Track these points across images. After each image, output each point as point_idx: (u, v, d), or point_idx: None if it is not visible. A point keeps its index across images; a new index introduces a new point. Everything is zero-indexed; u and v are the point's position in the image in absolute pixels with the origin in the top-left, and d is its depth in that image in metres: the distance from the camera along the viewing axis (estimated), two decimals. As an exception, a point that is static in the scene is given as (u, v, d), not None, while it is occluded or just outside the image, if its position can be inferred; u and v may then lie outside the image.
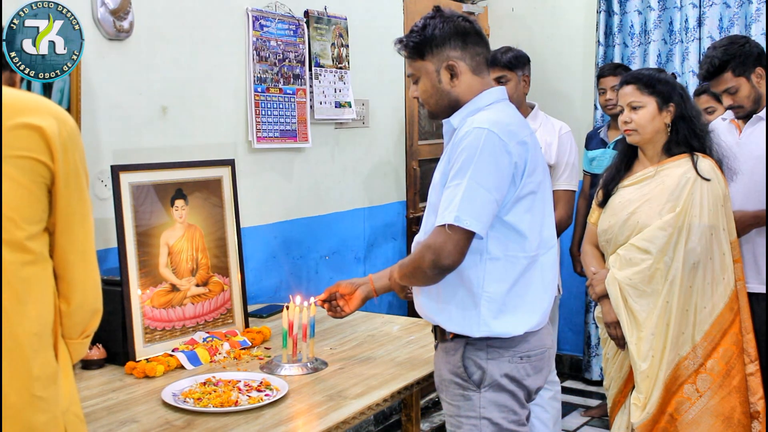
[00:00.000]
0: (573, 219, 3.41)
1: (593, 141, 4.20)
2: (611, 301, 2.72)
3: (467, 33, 2.07)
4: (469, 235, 1.92)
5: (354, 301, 2.39)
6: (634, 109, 2.72)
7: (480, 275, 2.01)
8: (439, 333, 2.15)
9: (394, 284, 2.25)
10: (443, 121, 2.14)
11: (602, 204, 2.83)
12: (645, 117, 2.70)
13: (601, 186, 2.87)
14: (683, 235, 2.62)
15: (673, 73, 2.86)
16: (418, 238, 2.12)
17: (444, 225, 1.92)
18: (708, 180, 2.64)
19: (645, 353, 2.64)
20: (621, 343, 2.75)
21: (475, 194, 1.91)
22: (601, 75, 4.09)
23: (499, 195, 1.95)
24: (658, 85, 2.70)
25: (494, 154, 1.93)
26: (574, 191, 3.45)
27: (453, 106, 2.10)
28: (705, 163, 2.67)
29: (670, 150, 2.72)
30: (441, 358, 2.14)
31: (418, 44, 2.07)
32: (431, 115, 2.18)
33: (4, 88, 1.48)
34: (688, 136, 2.70)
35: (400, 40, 2.12)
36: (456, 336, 2.08)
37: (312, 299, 2.48)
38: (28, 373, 1.45)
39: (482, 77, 2.11)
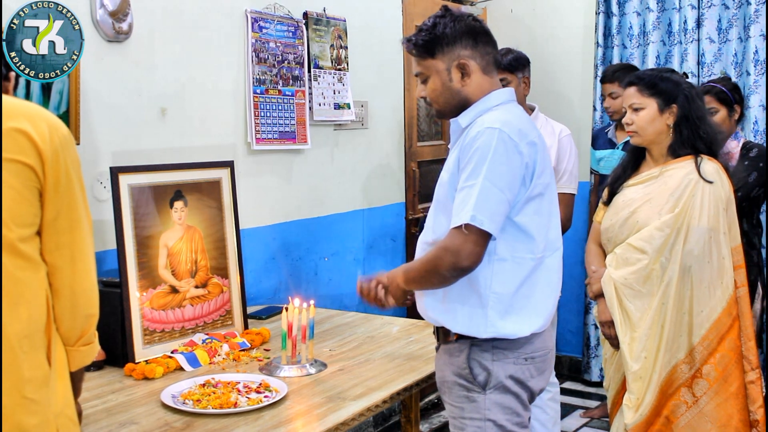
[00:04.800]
0: (572, 222, 3.40)
1: (599, 140, 4.18)
2: (606, 301, 2.70)
3: (478, 32, 2.06)
4: (486, 235, 1.91)
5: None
6: (635, 110, 2.71)
7: (488, 276, 2.00)
8: (441, 334, 2.13)
9: (395, 290, 2.19)
10: (450, 120, 2.12)
11: (607, 202, 2.82)
12: (645, 119, 2.69)
13: (608, 184, 2.86)
14: (681, 236, 2.60)
15: (684, 73, 2.84)
16: (425, 238, 2.10)
17: (460, 226, 1.90)
18: (710, 182, 2.61)
19: (637, 354, 2.62)
20: (615, 343, 2.74)
21: (489, 194, 1.90)
22: (602, 80, 4.07)
23: (511, 195, 1.94)
24: (660, 85, 2.68)
25: (507, 154, 1.93)
26: (574, 194, 3.45)
27: (462, 105, 2.08)
28: (709, 165, 2.64)
29: (675, 151, 2.70)
30: (444, 359, 2.13)
31: (429, 42, 2.05)
32: (439, 115, 2.16)
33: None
34: (692, 138, 2.67)
35: (408, 39, 2.09)
36: (460, 337, 2.07)
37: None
38: (19, 375, 1.45)
39: (491, 77, 2.10)
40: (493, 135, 1.93)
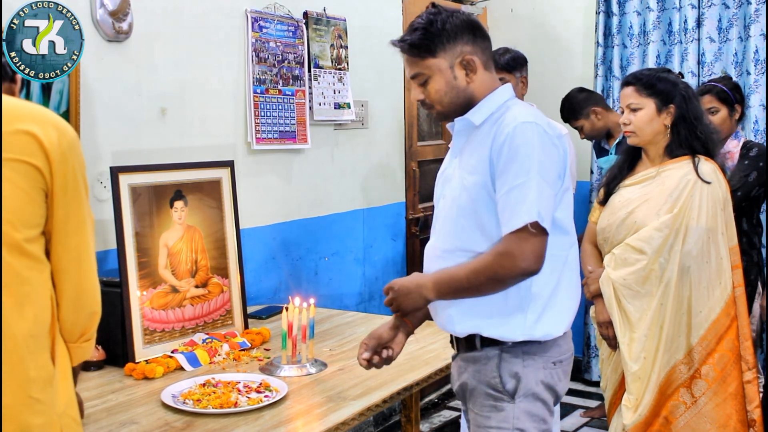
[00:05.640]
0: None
1: (596, 150, 4.30)
2: (604, 301, 2.70)
3: (475, 27, 1.97)
4: (546, 234, 1.82)
5: (400, 345, 2.13)
6: (633, 110, 2.70)
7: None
8: (464, 343, 1.99)
9: (416, 299, 1.97)
10: (456, 120, 1.98)
11: (603, 202, 2.82)
12: (643, 119, 2.69)
13: (603, 184, 2.86)
14: (680, 236, 2.60)
15: (679, 73, 2.84)
16: (442, 245, 1.97)
17: (524, 227, 1.79)
18: (708, 183, 2.61)
19: (636, 354, 2.62)
20: (612, 343, 2.74)
21: (543, 190, 1.82)
22: (564, 121, 4.13)
23: (556, 190, 1.87)
24: (658, 85, 2.68)
25: (547, 148, 1.85)
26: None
27: (467, 103, 1.96)
28: (706, 165, 2.65)
29: (672, 151, 2.70)
30: (465, 367, 2.02)
31: (428, 41, 1.92)
32: (440, 117, 2.02)
33: (7, 98, 1.51)
34: (689, 138, 2.67)
35: (402, 39, 1.96)
36: (487, 345, 1.95)
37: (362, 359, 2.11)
38: (25, 375, 1.46)
39: (492, 73, 2.00)
40: (532, 130, 1.84)
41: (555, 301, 1.94)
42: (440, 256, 1.98)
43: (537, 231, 1.80)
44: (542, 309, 1.92)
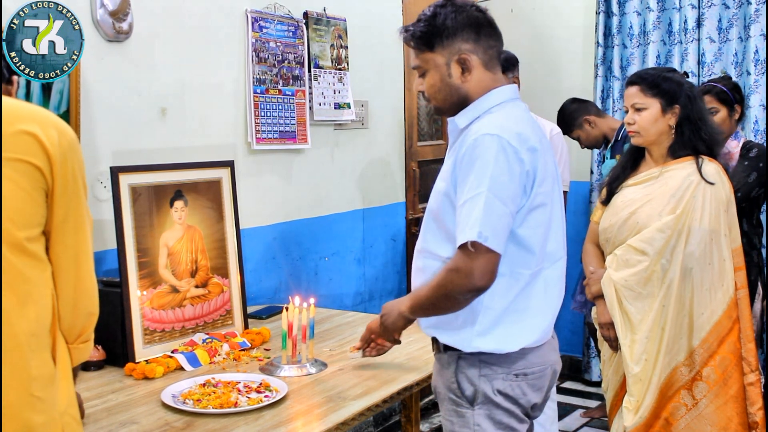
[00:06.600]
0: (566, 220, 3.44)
1: (598, 157, 4.33)
2: (606, 302, 2.69)
3: (481, 24, 1.92)
4: (493, 252, 1.79)
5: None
6: (637, 110, 2.68)
7: None
8: (435, 344, 2.03)
9: (396, 320, 2.07)
10: (448, 119, 1.99)
11: (605, 202, 2.81)
12: (648, 119, 2.67)
13: (606, 184, 2.85)
14: (682, 238, 2.58)
15: (684, 72, 2.82)
16: (418, 245, 2.01)
17: (466, 244, 1.77)
18: (712, 184, 2.60)
19: (638, 356, 2.61)
20: (614, 344, 2.73)
21: (492, 208, 1.77)
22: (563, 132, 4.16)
23: (514, 207, 1.81)
24: (663, 85, 2.66)
25: (508, 163, 1.79)
26: (566, 192, 3.49)
27: (462, 102, 1.94)
28: (710, 166, 2.63)
29: (676, 152, 2.68)
30: (437, 369, 2.05)
31: (428, 34, 1.91)
32: (437, 111, 2.03)
33: (7, 99, 1.52)
34: (693, 139, 2.65)
35: (406, 29, 1.95)
36: (448, 349, 1.96)
37: (351, 353, 2.48)
38: (27, 373, 1.46)
39: (494, 73, 1.96)
40: (492, 142, 1.79)
41: (512, 317, 1.91)
42: (416, 256, 2.02)
43: (477, 250, 1.76)
44: (492, 324, 1.90)
